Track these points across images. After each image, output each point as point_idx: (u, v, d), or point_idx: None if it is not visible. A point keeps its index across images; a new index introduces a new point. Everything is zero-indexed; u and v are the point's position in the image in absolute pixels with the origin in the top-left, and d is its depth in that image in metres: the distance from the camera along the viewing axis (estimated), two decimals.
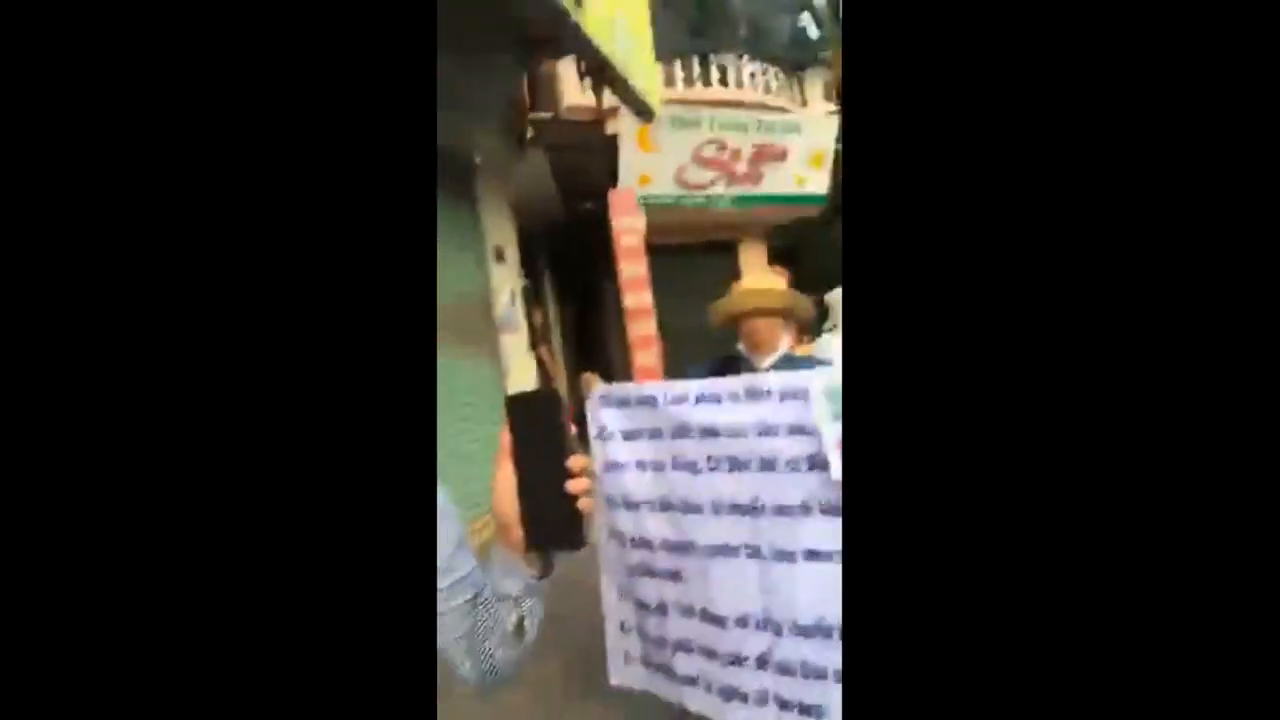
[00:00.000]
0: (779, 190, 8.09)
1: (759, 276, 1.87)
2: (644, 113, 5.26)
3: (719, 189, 7.84)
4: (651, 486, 1.66)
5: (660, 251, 6.63)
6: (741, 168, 7.77)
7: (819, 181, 8.17)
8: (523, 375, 5.21)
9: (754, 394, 1.53)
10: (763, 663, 1.54)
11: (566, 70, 6.06)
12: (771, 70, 8.39)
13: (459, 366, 4.45)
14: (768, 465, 1.49)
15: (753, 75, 8.12)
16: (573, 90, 6.32)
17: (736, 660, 1.56)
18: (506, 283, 5.27)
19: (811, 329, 3.04)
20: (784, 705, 1.51)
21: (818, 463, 1.43)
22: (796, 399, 1.46)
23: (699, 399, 1.59)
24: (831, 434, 1.40)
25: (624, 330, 6.28)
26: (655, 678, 1.74)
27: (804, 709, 1.48)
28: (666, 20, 6.58)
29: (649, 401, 1.65)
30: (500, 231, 5.32)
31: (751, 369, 1.86)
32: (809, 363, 2.04)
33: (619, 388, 1.75)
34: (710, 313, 2.03)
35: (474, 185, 4.98)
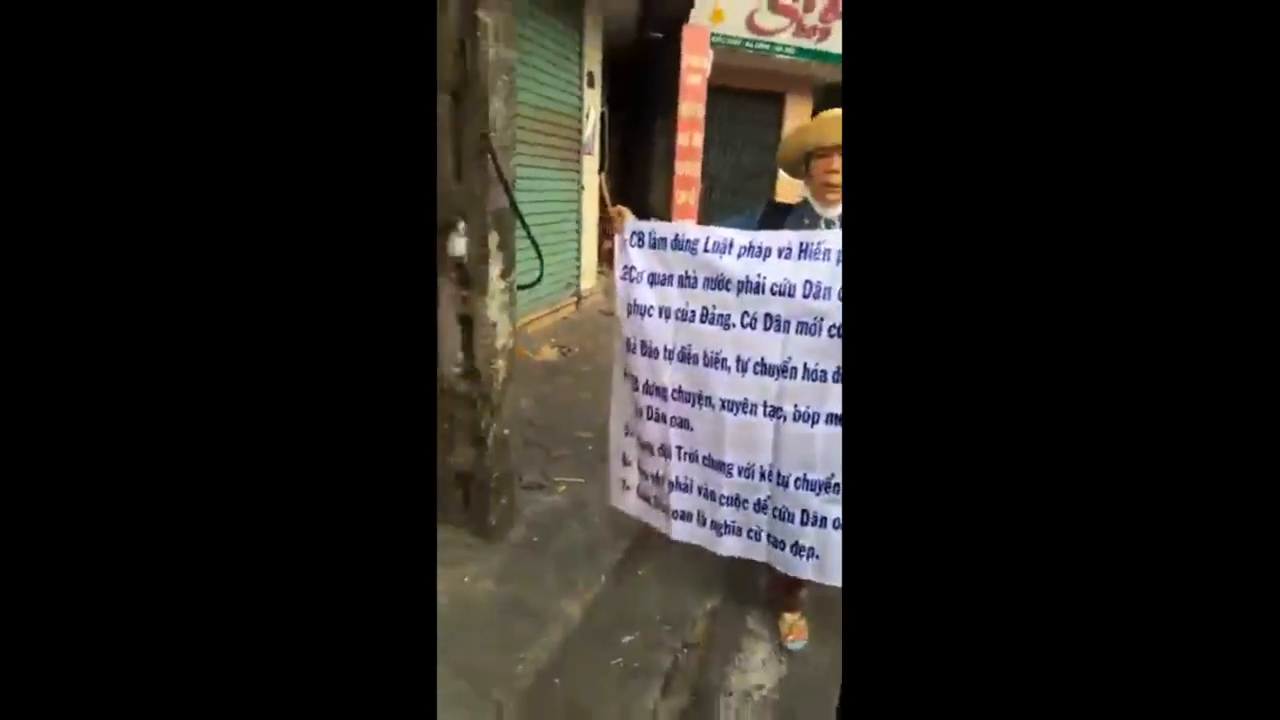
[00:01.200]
0: (839, 50, 8.11)
1: (834, 112, 1.55)
2: None
3: (785, 38, 7.86)
4: (673, 336, 1.59)
5: (713, 92, 6.90)
6: (812, 19, 7.75)
7: None
8: (593, 196, 5.76)
9: (809, 252, 1.43)
10: (761, 507, 1.60)
11: None
12: None
13: (553, 175, 5.07)
14: (808, 329, 1.44)
15: None
16: None
17: (735, 502, 1.62)
18: (593, 107, 5.64)
19: None
20: (776, 543, 1.59)
21: None
22: None
23: (744, 250, 1.49)
24: None
25: (671, 169, 6.72)
26: (648, 509, 1.82)
27: (796, 548, 1.56)
28: None
29: (686, 246, 1.55)
30: (593, 56, 5.58)
31: (814, 217, 1.60)
32: None
33: (654, 227, 1.61)
34: (783, 146, 1.70)
35: (582, 10, 5.18)
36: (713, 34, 6.71)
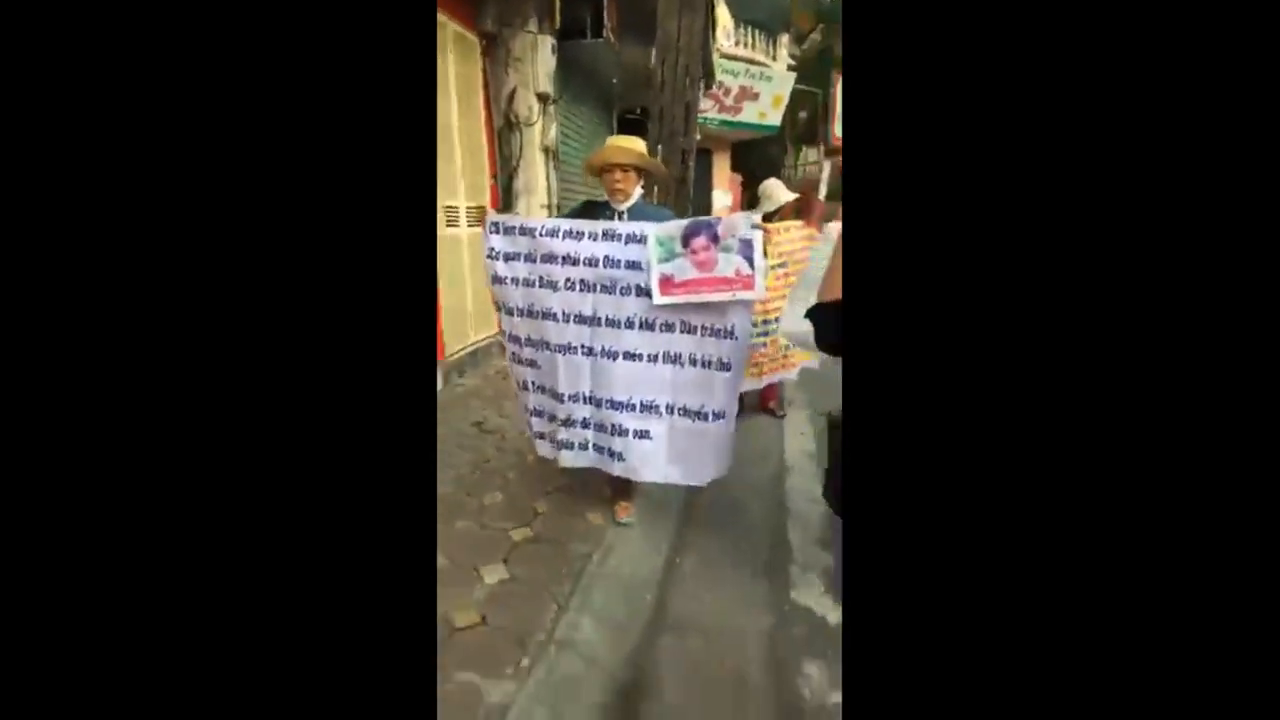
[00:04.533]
0: (749, 120, 12.02)
1: (623, 138, 2.30)
2: None
3: (712, 114, 11.67)
4: (523, 298, 2.18)
5: None
6: (730, 101, 11.62)
7: (775, 117, 12.16)
8: None
9: (608, 235, 2.04)
10: (585, 424, 2.23)
11: None
12: (755, 31, 12.10)
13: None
14: (607, 289, 2.06)
15: (744, 34, 11.81)
16: None
17: (568, 422, 2.24)
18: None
19: (745, 206, 5.35)
20: (599, 449, 2.24)
21: (644, 291, 2.01)
22: (638, 242, 2.00)
23: (565, 234, 2.08)
24: (656, 270, 1.97)
25: None
26: (543, 446, 2.41)
27: (611, 453, 2.22)
28: None
29: (528, 232, 2.13)
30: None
31: (610, 211, 2.26)
32: (656, 211, 2.34)
33: (505, 218, 2.20)
34: (586, 163, 2.34)
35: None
36: None
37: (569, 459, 2.30)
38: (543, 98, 4.93)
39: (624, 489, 2.51)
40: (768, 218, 3.11)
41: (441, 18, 3.96)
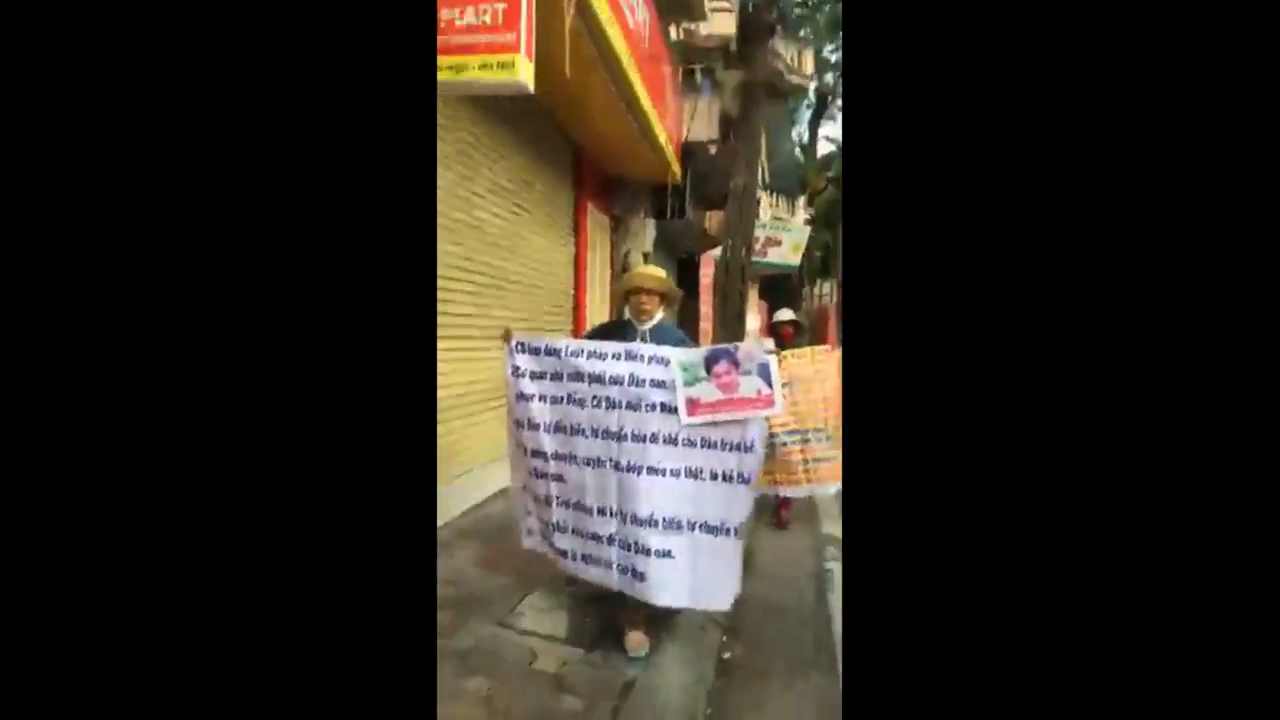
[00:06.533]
0: (774, 261, 14.96)
1: (649, 268, 2.54)
2: None
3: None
4: (549, 414, 2.31)
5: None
6: (758, 247, 14.55)
7: (794, 259, 15.09)
8: None
9: (630, 355, 2.21)
10: (610, 540, 2.26)
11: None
12: (779, 195, 15.35)
13: None
14: (632, 405, 2.19)
15: (771, 199, 15.03)
16: None
17: (595, 537, 2.29)
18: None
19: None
20: (622, 570, 2.25)
21: (667, 408, 2.15)
22: (660, 363, 2.16)
23: (590, 354, 2.24)
24: (682, 393, 2.12)
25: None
26: (545, 546, 2.51)
27: (635, 573, 2.22)
28: None
29: (554, 352, 2.28)
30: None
31: (634, 331, 2.46)
32: (674, 333, 2.55)
33: (532, 339, 2.35)
34: (614, 290, 2.98)
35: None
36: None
37: (594, 576, 2.34)
38: (645, 255, 7.52)
39: (637, 617, 2.39)
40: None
41: (591, 207, 6.54)
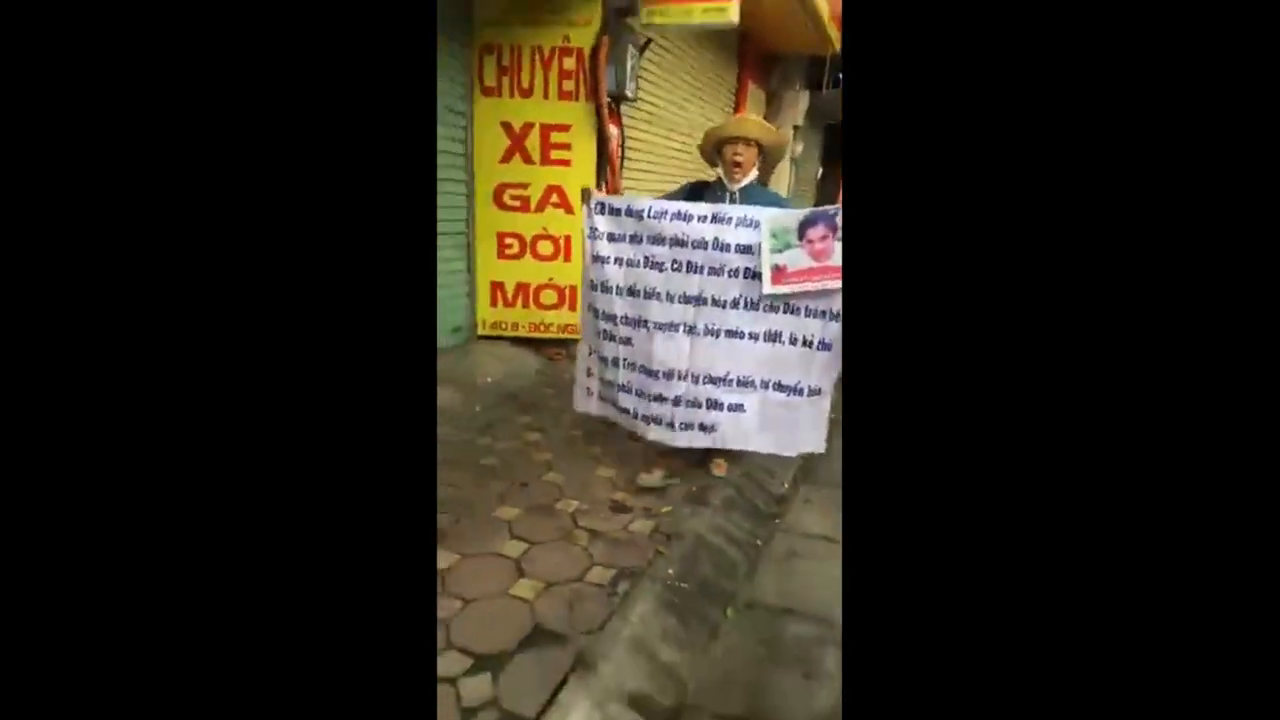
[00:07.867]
0: None
1: (748, 115, 2.36)
2: None
3: None
4: (624, 277, 2.28)
5: None
6: None
7: None
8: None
9: (717, 218, 2.13)
10: (677, 401, 2.29)
11: None
12: None
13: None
14: (715, 271, 2.15)
15: None
16: None
17: (659, 399, 2.31)
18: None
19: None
20: (685, 426, 2.31)
21: (751, 274, 2.08)
22: (749, 226, 2.07)
23: (674, 215, 2.18)
24: (769, 260, 2.02)
25: None
26: (605, 407, 2.55)
27: (702, 427, 2.29)
28: None
29: (635, 214, 2.23)
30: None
31: (723, 189, 2.36)
32: (767, 193, 2.40)
33: (611, 199, 2.28)
34: (702, 140, 2.43)
35: None
36: None
37: (656, 434, 2.36)
38: (795, 127, 8.00)
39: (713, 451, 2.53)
40: None
41: (751, 85, 7.10)
